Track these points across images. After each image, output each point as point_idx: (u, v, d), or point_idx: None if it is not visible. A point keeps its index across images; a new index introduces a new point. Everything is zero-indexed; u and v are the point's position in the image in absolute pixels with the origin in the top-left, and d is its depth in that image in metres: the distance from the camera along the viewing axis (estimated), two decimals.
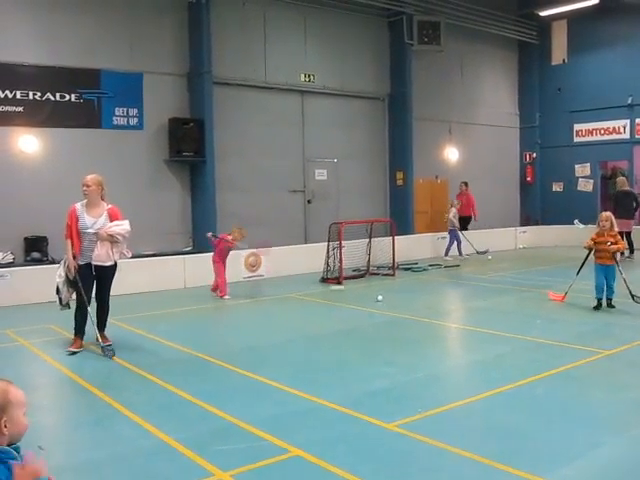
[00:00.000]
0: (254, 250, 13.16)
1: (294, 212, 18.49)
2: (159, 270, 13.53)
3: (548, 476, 4.42)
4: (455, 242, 18.02)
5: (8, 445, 2.52)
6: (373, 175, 20.61)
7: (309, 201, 18.89)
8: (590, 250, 10.50)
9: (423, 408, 5.79)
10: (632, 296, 10.40)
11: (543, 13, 23.17)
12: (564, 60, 24.33)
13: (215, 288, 12.50)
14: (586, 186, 23.71)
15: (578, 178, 23.87)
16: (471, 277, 14.94)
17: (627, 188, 17.94)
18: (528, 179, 25.06)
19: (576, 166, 23.96)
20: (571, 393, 6.28)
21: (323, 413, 5.82)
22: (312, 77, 18.75)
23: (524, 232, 21.56)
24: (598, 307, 10.43)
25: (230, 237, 12.19)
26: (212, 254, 12.52)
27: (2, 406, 2.50)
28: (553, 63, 24.64)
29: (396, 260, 15.28)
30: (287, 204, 18.32)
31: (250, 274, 14.41)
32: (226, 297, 12.17)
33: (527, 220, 24.35)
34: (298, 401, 6.15)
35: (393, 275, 14.90)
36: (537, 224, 23.11)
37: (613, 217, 10.34)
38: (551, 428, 5.35)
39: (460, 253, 18.00)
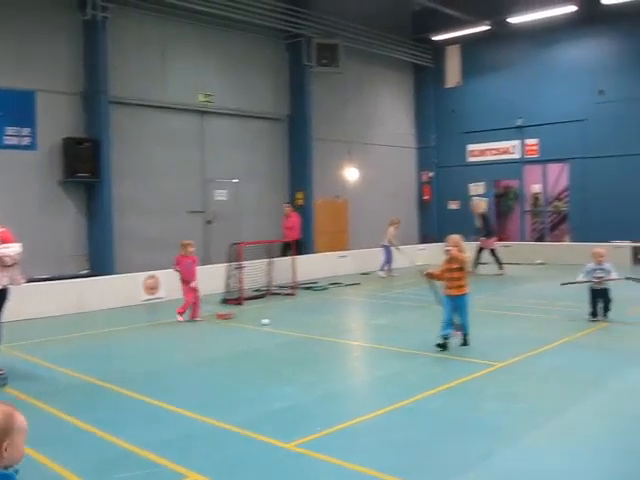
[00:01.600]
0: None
1: (194, 233, 18.20)
2: (54, 294, 13.08)
3: None
4: (387, 258, 18.57)
5: (5, 468, 2.57)
6: (273, 195, 20.66)
7: (209, 222, 18.74)
8: (431, 278, 9.22)
9: (323, 426, 5.83)
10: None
11: (436, 38, 24.03)
12: (458, 83, 25.21)
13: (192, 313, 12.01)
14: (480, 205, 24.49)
15: (472, 197, 24.66)
16: (372, 294, 15.17)
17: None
18: (425, 198, 25.77)
19: (470, 185, 24.78)
20: (466, 405, 6.46)
21: (222, 436, 5.77)
22: (211, 97, 18.68)
23: (422, 249, 22.06)
24: (443, 347, 8.76)
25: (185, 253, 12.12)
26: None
27: (6, 430, 2.55)
28: (447, 86, 25.51)
29: (297, 280, 15.35)
30: (187, 225, 18.09)
31: (149, 296, 14.19)
32: (180, 319, 11.84)
33: (425, 238, 24.96)
34: (196, 424, 6.07)
35: (294, 295, 14.95)
36: (435, 242, 23.66)
37: (462, 240, 9.06)
38: (446, 440, 5.49)
39: (389, 269, 18.54)
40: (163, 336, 11.00)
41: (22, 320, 11.54)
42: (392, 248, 18.54)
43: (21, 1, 15.10)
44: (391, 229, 18.42)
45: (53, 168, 15.54)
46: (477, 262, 18.16)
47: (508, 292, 15.16)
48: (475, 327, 10.71)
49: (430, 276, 9.14)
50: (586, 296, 10.71)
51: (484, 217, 18.76)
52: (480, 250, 18.40)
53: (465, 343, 9.04)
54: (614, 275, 10.29)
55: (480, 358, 8.31)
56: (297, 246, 17.89)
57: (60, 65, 15.79)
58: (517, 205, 25.04)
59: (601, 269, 10.35)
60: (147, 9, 16.98)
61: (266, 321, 11.27)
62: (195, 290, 11.95)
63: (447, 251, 8.86)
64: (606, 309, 10.53)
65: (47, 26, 15.52)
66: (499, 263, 18.31)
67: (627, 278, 10.81)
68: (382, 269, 18.52)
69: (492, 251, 18.42)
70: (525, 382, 7.34)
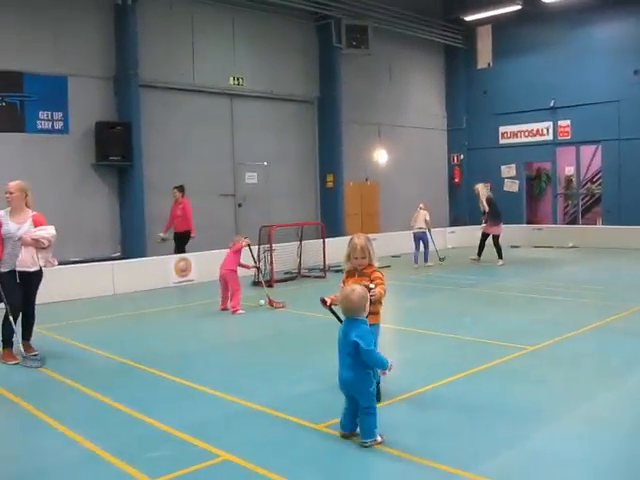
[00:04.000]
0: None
1: (224, 216, 18.40)
2: (87, 277, 13.25)
3: (471, 470, 4.53)
4: (425, 246, 16.73)
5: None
6: (303, 178, 20.70)
7: (240, 205, 18.83)
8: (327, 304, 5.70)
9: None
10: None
11: (468, 18, 23.74)
12: (489, 64, 24.93)
13: (227, 304, 11.16)
14: (512, 187, 24.32)
15: (504, 179, 24.46)
16: (401, 277, 15.12)
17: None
18: (456, 180, 25.59)
19: (502, 167, 24.57)
20: (495, 388, 6.44)
21: (252, 416, 5.83)
22: (241, 80, 18.70)
23: (452, 232, 21.96)
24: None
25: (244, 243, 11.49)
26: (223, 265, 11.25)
27: (365, 297, 5.22)
28: (479, 67, 25.24)
29: (327, 262, 15.36)
30: (217, 208, 18.22)
31: (180, 279, 14.32)
32: (241, 311, 11.01)
33: (455, 221, 24.81)
34: (227, 405, 6.14)
35: (324, 277, 14.98)
36: (465, 224, 23.52)
37: (371, 245, 5.94)
38: (475, 424, 5.49)
39: (420, 259, 16.76)
40: (193, 318, 11.09)
41: (55, 302, 11.73)
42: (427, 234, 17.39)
43: None
44: (422, 213, 17.30)
45: (86, 152, 15.72)
46: (481, 249, 17.14)
47: (540, 276, 15.04)
48: (507, 311, 10.71)
49: (332, 303, 5.69)
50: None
51: (491, 201, 17.25)
52: (485, 237, 17.16)
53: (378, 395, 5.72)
54: None
55: (511, 341, 8.27)
56: (185, 238, 15.51)
57: (92, 50, 15.92)
58: (549, 188, 24.81)
59: None
60: None
61: (262, 302, 11.51)
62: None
63: (355, 262, 5.94)
64: None
65: (79, 11, 15.64)
66: (500, 252, 16.85)
67: None
68: (426, 259, 16.87)
69: (496, 238, 16.93)
70: (556, 366, 7.30)
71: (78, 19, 15.64)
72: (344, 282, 5.96)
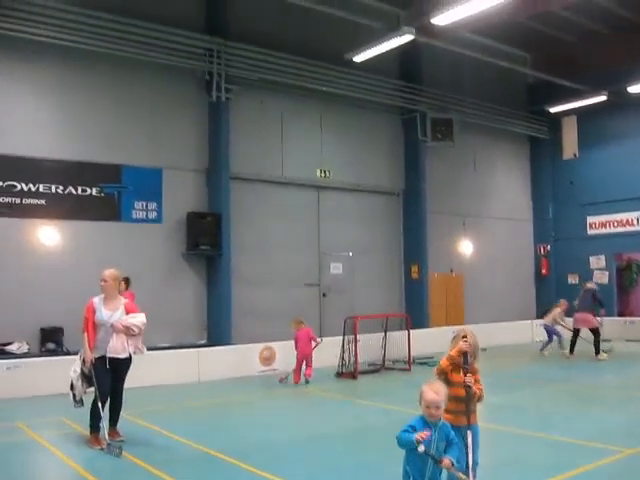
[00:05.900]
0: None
1: (309, 305, 18.47)
2: (173, 363, 13.43)
3: None
4: (554, 336, 17.41)
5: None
6: (388, 268, 20.69)
7: (324, 294, 18.92)
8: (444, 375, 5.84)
9: None
10: None
11: (553, 109, 23.70)
12: (575, 154, 24.70)
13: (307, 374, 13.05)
14: (601, 278, 23.62)
15: (593, 270, 23.83)
16: (485, 371, 14.70)
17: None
18: (543, 271, 25.05)
19: (591, 258, 23.98)
20: None
21: None
22: (328, 173, 19.11)
23: (542, 326, 21.32)
24: None
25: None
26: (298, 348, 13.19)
27: (420, 396, 4.87)
28: (564, 157, 25.03)
29: (412, 354, 15.13)
30: (302, 297, 18.33)
31: (264, 367, 14.35)
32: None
33: (544, 313, 24.12)
34: None
35: (409, 370, 14.72)
36: None
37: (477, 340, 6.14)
38: None
39: (561, 346, 17.21)
40: (279, 408, 11.06)
41: (142, 387, 11.87)
42: (557, 327, 17.40)
43: (154, 85, 16.15)
44: (558, 310, 17.51)
45: (177, 240, 16.23)
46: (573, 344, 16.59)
47: (636, 371, 14.42)
48: (602, 410, 10.23)
49: (444, 371, 5.93)
50: None
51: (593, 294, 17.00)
52: (577, 332, 16.62)
53: None
54: None
55: (608, 443, 7.87)
56: None
57: (186, 144, 16.64)
58: None
59: None
60: (267, 89, 17.69)
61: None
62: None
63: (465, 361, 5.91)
64: None
65: (175, 108, 16.46)
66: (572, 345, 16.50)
67: None
68: (543, 348, 17.38)
69: (578, 331, 16.59)
70: None
71: (174, 115, 16.44)
72: (449, 361, 5.84)
